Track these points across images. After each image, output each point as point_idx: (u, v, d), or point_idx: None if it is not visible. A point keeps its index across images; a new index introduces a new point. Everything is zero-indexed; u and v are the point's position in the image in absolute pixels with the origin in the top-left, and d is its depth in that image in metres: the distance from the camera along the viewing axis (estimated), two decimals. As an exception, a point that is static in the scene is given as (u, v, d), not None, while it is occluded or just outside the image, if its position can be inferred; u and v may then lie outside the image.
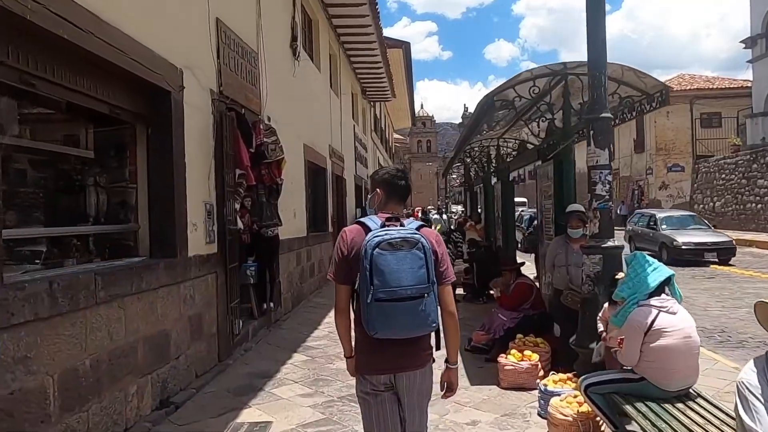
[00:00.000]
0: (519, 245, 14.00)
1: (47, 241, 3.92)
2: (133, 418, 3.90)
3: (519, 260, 6.19)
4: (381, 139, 27.73)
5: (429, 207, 33.63)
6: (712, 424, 2.92)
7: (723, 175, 23.20)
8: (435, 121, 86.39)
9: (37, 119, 4.08)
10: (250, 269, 6.93)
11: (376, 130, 24.91)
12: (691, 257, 13.43)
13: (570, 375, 4.17)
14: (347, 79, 16.32)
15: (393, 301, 2.08)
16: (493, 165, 10.32)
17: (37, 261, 3.62)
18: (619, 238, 4.28)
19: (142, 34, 4.19)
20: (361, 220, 2.30)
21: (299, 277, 9.32)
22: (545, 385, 4.07)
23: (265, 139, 6.87)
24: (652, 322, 3.18)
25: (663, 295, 3.30)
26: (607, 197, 4.24)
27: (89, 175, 4.58)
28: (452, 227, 13.64)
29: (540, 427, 3.93)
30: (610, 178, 4.26)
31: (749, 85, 25.49)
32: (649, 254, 3.54)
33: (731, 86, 29.13)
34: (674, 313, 3.23)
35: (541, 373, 4.70)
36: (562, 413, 3.57)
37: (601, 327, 3.99)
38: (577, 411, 3.55)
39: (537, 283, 6.15)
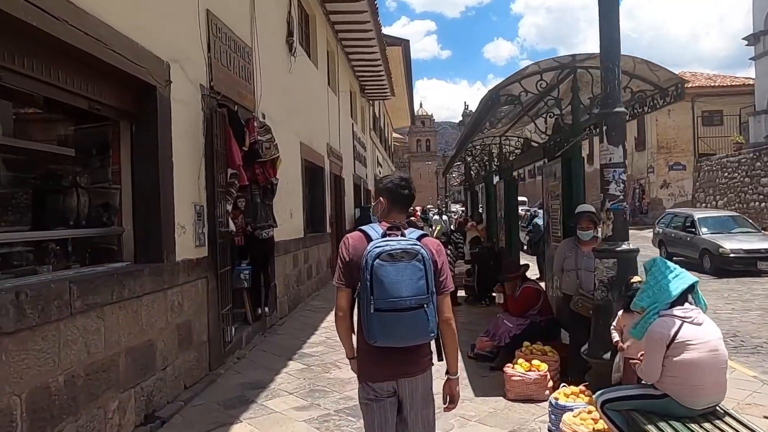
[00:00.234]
0: (525, 247, 13.66)
1: (21, 247, 3.65)
2: (115, 436, 3.63)
3: (523, 262, 5.92)
4: (380, 139, 27.45)
5: (428, 206, 33.33)
6: (744, 447, 2.66)
7: (726, 174, 22.97)
8: (434, 120, 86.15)
9: (10, 115, 3.80)
10: (244, 273, 6.66)
11: (375, 129, 24.63)
12: (741, 266, 11.44)
13: (582, 387, 3.90)
14: (345, 77, 16.04)
15: (393, 312, 2.12)
16: (496, 163, 10.05)
17: (8, 269, 3.34)
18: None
19: (125, 25, 3.92)
20: (363, 228, 2.32)
21: (296, 280, 9.05)
22: (556, 399, 3.80)
23: (259, 137, 6.59)
24: (675, 333, 2.92)
25: (686, 305, 3.04)
26: (621, 197, 3.98)
27: (69, 175, 4.31)
28: (452, 228, 13.34)
29: (551, 445, 3.67)
30: (624, 176, 4.00)
31: (751, 82, 25.27)
32: (669, 260, 3.27)
33: (733, 84, 28.90)
34: (699, 324, 2.97)
35: (551, 383, 4.43)
36: (576, 431, 3.31)
37: (616, 336, 3.73)
38: (593, 429, 3.29)
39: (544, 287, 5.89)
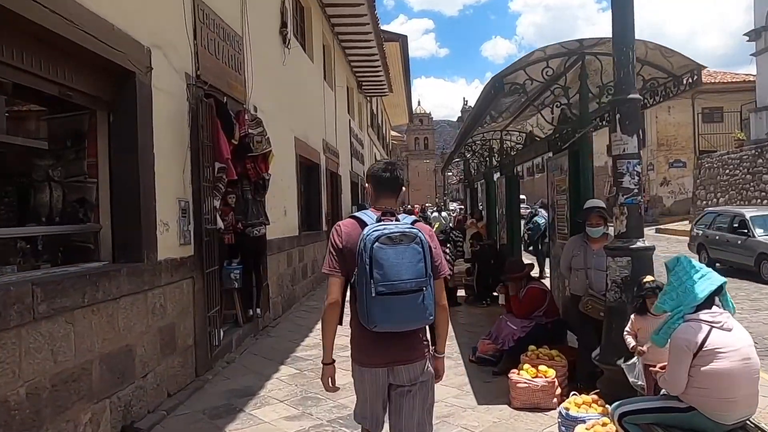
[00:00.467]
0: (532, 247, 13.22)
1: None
2: (87, 451, 3.33)
3: (526, 261, 5.63)
4: (378, 136, 27.14)
5: (427, 204, 33.02)
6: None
7: (727, 171, 22.71)
8: (432, 118, 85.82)
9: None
10: (235, 272, 6.36)
11: (372, 126, 24.32)
12: None
13: (595, 396, 3.61)
14: (342, 72, 15.73)
15: (393, 295, 2.09)
16: (497, 159, 9.76)
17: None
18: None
19: (99, 5, 3.61)
20: (356, 214, 2.30)
21: (290, 280, 8.75)
22: (567, 409, 3.51)
23: (250, 131, 6.29)
24: (704, 340, 2.63)
25: (714, 308, 2.74)
26: (636, 191, 3.69)
27: (41, 168, 4.01)
28: (450, 225, 13.05)
29: (562, 459, 3.38)
30: (639, 168, 3.72)
31: (752, 79, 25.03)
32: (700, 265, 2.97)
33: (734, 80, 28.69)
34: (729, 330, 2.68)
35: (558, 390, 4.14)
36: (590, 446, 3.02)
37: (631, 341, 3.44)
38: (609, 443, 3.00)
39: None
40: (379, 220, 2.23)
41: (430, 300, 2.17)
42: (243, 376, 5.17)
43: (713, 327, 2.66)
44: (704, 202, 23.96)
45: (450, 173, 43.30)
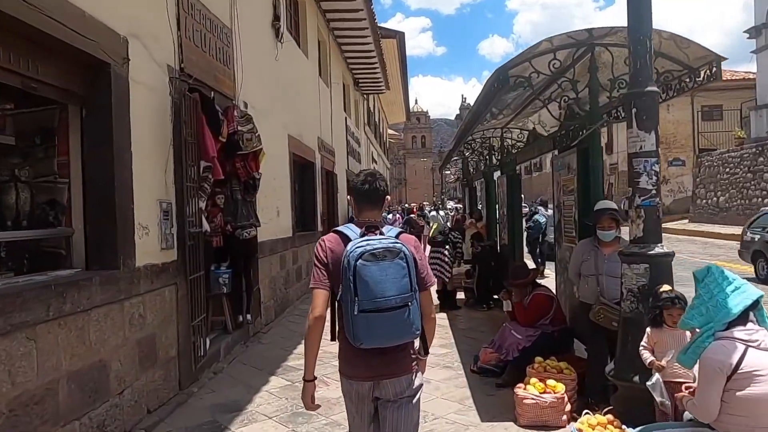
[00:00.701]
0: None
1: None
2: (53, 480, 3.02)
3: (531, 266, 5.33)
4: (375, 134, 26.81)
5: (425, 203, 32.67)
6: None
7: (727, 169, 22.51)
8: (429, 116, 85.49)
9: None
10: (223, 277, 6.04)
11: (369, 124, 23.99)
12: None
13: (610, 417, 3.32)
14: (338, 69, 15.40)
15: (378, 312, 2.08)
16: (497, 157, 9.45)
17: None
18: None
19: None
20: (339, 229, 2.30)
21: (284, 283, 8.44)
22: (580, 431, 3.22)
23: (239, 128, 5.97)
24: (739, 361, 2.34)
25: (749, 324, 2.45)
26: (654, 192, 3.40)
27: (6, 168, 3.68)
28: (449, 225, 12.71)
29: (575, 486, 3.09)
30: (657, 167, 3.42)
31: (751, 77, 24.85)
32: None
33: (733, 78, 28.47)
34: (767, 350, 2.38)
35: (568, 407, 3.85)
36: (608, 475, 2.72)
37: (648, 356, 3.16)
38: (629, 473, 2.70)
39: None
40: (362, 235, 2.20)
41: (415, 315, 2.16)
42: (230, 388, 4.86)
43: (749, 346, 2.37)
44: (704, 201, 23.75)
45: (447, 172, 42.95)
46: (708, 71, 4.17)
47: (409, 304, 2.12)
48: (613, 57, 4.32)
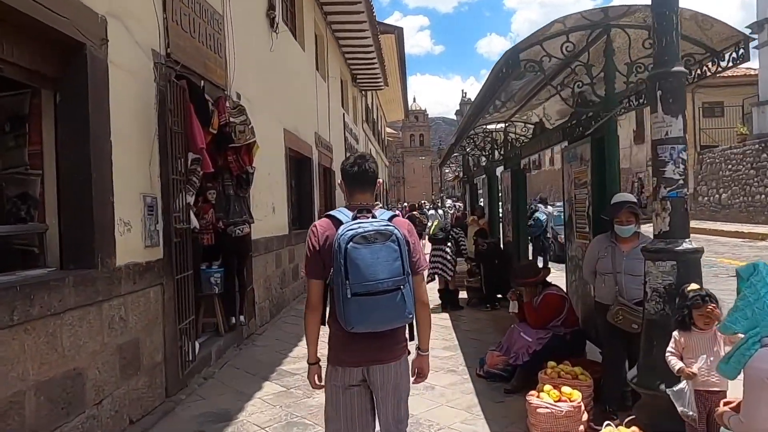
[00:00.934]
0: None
1: None
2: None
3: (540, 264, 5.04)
4: (373, 131, 26.48)
5: (423, 201, 32.26)
6: None
7: (729, 166, 22.30)
8: (428, 115, 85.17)
9: None
10: (215, 276, 5.75)
11: (368, 121, 23.67)
12: None
13: (635, 430, 3.02)
14: (336, 64, 15.09)
15: (370, 295, 2.05)
16: (500, 152, 9.15)
17: None
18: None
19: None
20: (331, 213, 2.26)
21: (280, 282, 8.13)
22: (603, 445, 2.92)
23: (231, 119, 5.66)
24: (793, 372, 2.03)
25: (803, 329, 2.15)
26: (681, 182, 3.10)
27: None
28: (449, 223, 12.40)
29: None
30: (684, 155, 3.13)
31: (753, 73, 24.64)
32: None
33: (734, 74, 28.17)
34: (824, 358, 2.08)
35: (585, 416, 3.55)
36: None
37: (677, 363, 2.86)
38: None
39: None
40: (354, 218, 2.17)
41: (408, 298, 2.13)
42: (221, 395, 4.55)
43: (804, 354, 2.07)
44: (706, 198, 23.51)
45: (446, 170, 42.65)
46: (734, 53, 3.87)
47: (402, 287, 2.09)
48: (630, 39, 4.02)
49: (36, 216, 3.47)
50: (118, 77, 3.80)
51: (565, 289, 5.00)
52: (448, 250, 7.91)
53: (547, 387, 3.65)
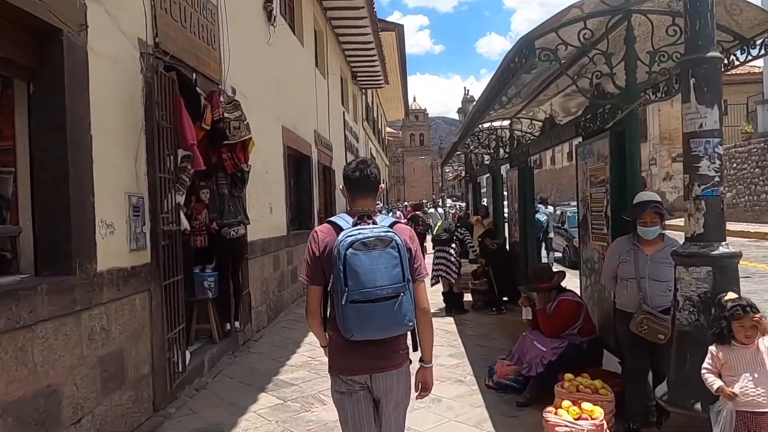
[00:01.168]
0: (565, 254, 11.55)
1: None
2: None
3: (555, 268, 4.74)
4: (374, 130, 26.19)
5: (423, 201, 31.88)
6: None
7: (734, 165, 22.03)
8: (428, 114, 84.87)
9: None
10: (208, 280, 5.46)
11: (368, 119, 23.37)
12: None
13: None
14: (336, 61, 14.79)
15: (369, 302, 2.03)
16: (505, 150, 8.85)
17: None
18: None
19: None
20: (332, 219, 2.24)
21: (278, 285, 7.84)
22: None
23: (226, 114, 5.38)
24: None
25: None
26: (717, 179, 2.81)
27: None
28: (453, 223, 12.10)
29: None
30: (720, 149, 2.84)
31: (757, 71, 24.33)
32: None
33: (737, 72, 27.91)
34: None
35: (607, 434, 3.26)
36: None
37: (716, 382, 2.57)
38: None
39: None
40: (355, 224, 2.15)
41: (408, 306, 2.09)
42: (213, 408, 4.26)
43: None
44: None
45: (447, 169, 42.27)
46: (766, 40, 3.57)
47: (401, 294, 2.06)
48: (653, 25, 3.73)
49: (8, 217, 3.17)
50: (100, 66, 3.51)
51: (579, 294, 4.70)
52: (452, 251, 7.61)
53: (566, 403, 3.36)
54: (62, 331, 3.04)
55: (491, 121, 8.56)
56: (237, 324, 5.78)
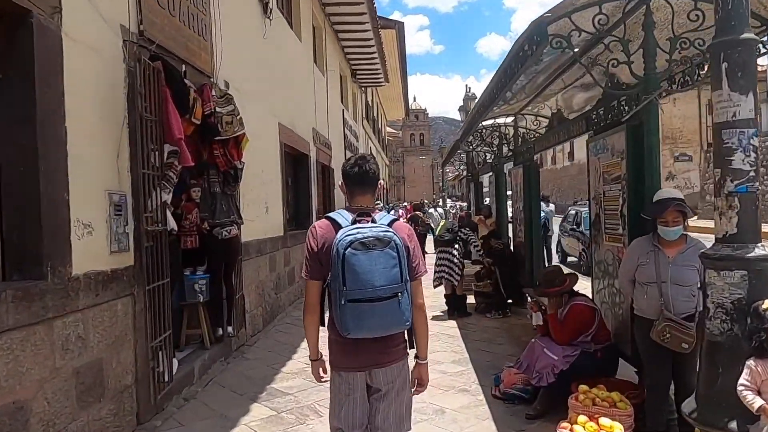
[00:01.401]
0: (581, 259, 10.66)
1: None
2: None
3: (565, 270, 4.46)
4: (374, 129, 25.93)
5: (423, 200, 31.54)
6: None
7: (739, 164, 21.75)
8: (428, 114, 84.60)
9: None
10: (199, 283, 5.19)
11: (368, 118, 23.11)
12: None
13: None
14: (335, 58, 14.52)
15: (367, 302, 2.03)
16: (509, 147, 8.58)
17: None
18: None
19: None
20: (330, 215, 2.23)
21: (274, 287, 7.57)
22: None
23: (218, 109, 5.11)
24: None
25: None
26: (753, 174, 2.55)
27: None
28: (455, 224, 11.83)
29: None
30: (755, 141, 2.57)
31: (760, 69, 24.11)
32: None
33: (741, 71, 27.72)
34: None
35: (628, 453, 2.99)
36: None
37: (757, 400, 2.31)
38: None
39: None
40: (354, 222, 2.15)
41: (406, 306, 2.10)
42: (202, 420, 3.99)
43: None
44: (713, 197, 23.02)
45: (447, 169, 41.97)
46: (798, 25, 3.31)
47: (399, 294, 2.06)
48: (673, 10, 3.46)
49: (-26, 217, 2.90)
50: (77, 53, 3.24)
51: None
52: (455, 252, 7.33)
53: (582, 418, 3.10)
54: (31, 341, 2.77)
55: (494, 117, 8.30)
56: (230, 329, 5.50)
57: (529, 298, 7.34)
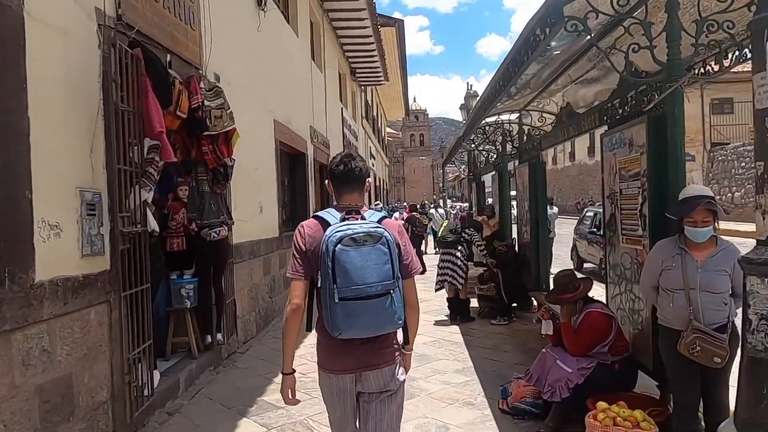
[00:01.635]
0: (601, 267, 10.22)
1: None
2: None
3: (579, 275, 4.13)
4: (373, 129, 25.61)
5: (424, 201, 31.20)
6: None
7: (743, 164, 21.54)
8: (428, 114, 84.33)
9: None
10: (187, 288, 4.88)
11: (367, 118, 22.79)
12: None
13: None
14: (333, 56, 14.22)
15: (358, 300, 1.97)
16: (513, 144, 8.27)
17: None
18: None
19: None
20: (319, 214, 2.17)
21: (268, 291, 7.25)
22: None
23: (206, 102, 4.81)
24: None
25: None
26: (801, 167, 2.23)
27: None
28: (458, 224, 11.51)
29: None
30: (805, 131, 2.25)
31: (767, 66, 23.85)
32: None
33: (744, 70, 27.24)
34: None
35: (655, 480, 2.68)
36: None
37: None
38: None
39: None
40: (343, 219, 2.08)
41: (398, 303, 2.03)
42: (185, 438, 3.68)
43: None
44: (718, 197, 22.68)
45: (447, 169, 41.64)
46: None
47: (392, 292, 2.00)
48: (700, -10, 3.15)
49: None
50: (42, 36, 2.93)
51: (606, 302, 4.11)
52: (459, 254, 7.02)
53: (603, 441, 2.78)
54: (-16, 357, 2.46)
55: (498, 113, 7.99)
56: (219, 336, 5.19)
57: (535, 303, 7.03)
